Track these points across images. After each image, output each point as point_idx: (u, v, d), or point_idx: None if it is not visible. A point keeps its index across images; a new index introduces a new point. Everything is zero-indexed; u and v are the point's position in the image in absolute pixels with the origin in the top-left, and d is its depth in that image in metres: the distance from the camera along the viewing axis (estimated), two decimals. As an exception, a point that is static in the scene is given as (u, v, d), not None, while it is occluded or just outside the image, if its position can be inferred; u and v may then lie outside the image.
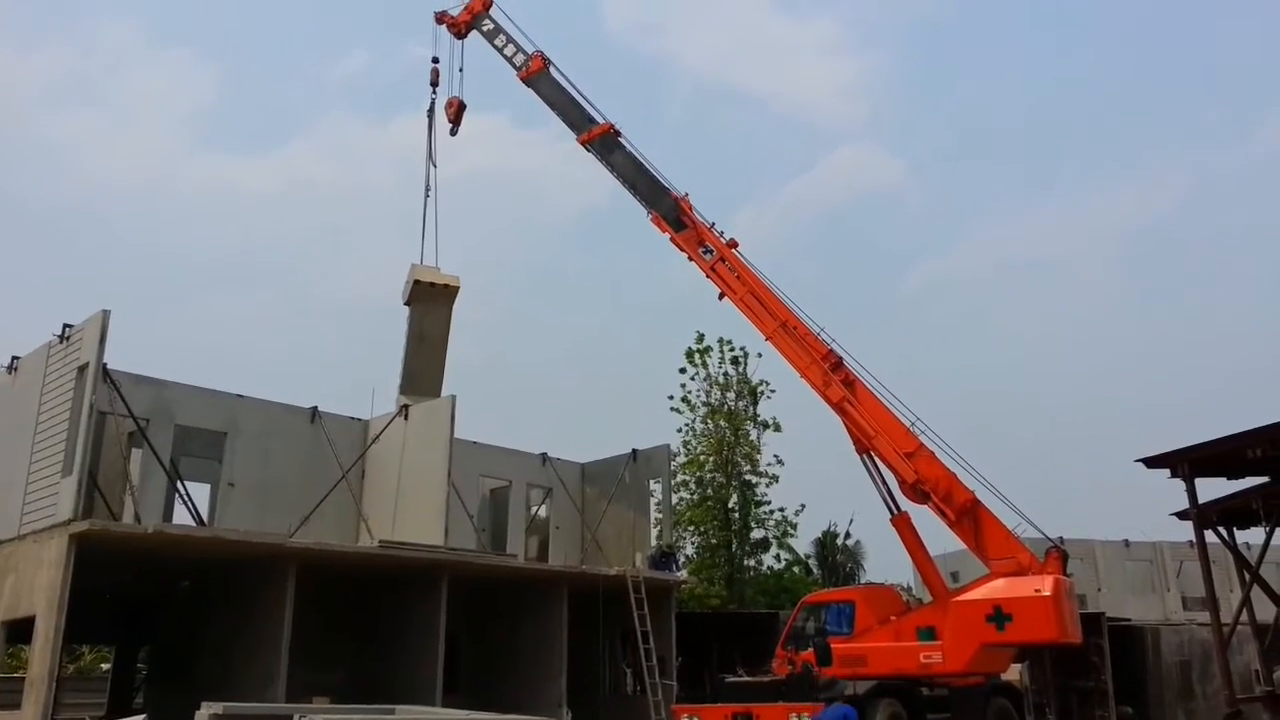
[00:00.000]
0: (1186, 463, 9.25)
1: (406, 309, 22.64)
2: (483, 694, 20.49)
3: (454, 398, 20.23)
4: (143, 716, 9.84)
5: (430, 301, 22.39)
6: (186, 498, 19.14)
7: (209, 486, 20.65)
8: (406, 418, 20.89)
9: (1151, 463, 9.48)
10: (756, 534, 34.07)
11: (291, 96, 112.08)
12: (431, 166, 22.42)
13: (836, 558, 39.72)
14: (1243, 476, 9.92)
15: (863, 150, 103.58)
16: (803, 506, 34.44)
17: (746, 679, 16.05)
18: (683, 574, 24.50)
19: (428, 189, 22.12)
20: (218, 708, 13.98)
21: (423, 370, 22.20)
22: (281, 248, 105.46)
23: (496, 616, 21.94)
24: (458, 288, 22.68)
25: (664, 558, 24.00)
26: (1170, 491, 11.09)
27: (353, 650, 19.89)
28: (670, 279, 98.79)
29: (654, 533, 25.70)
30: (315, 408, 21.66)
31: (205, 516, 19.48)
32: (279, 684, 15.74)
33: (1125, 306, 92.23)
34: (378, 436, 21.08)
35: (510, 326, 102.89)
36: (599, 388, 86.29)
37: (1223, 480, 10.50)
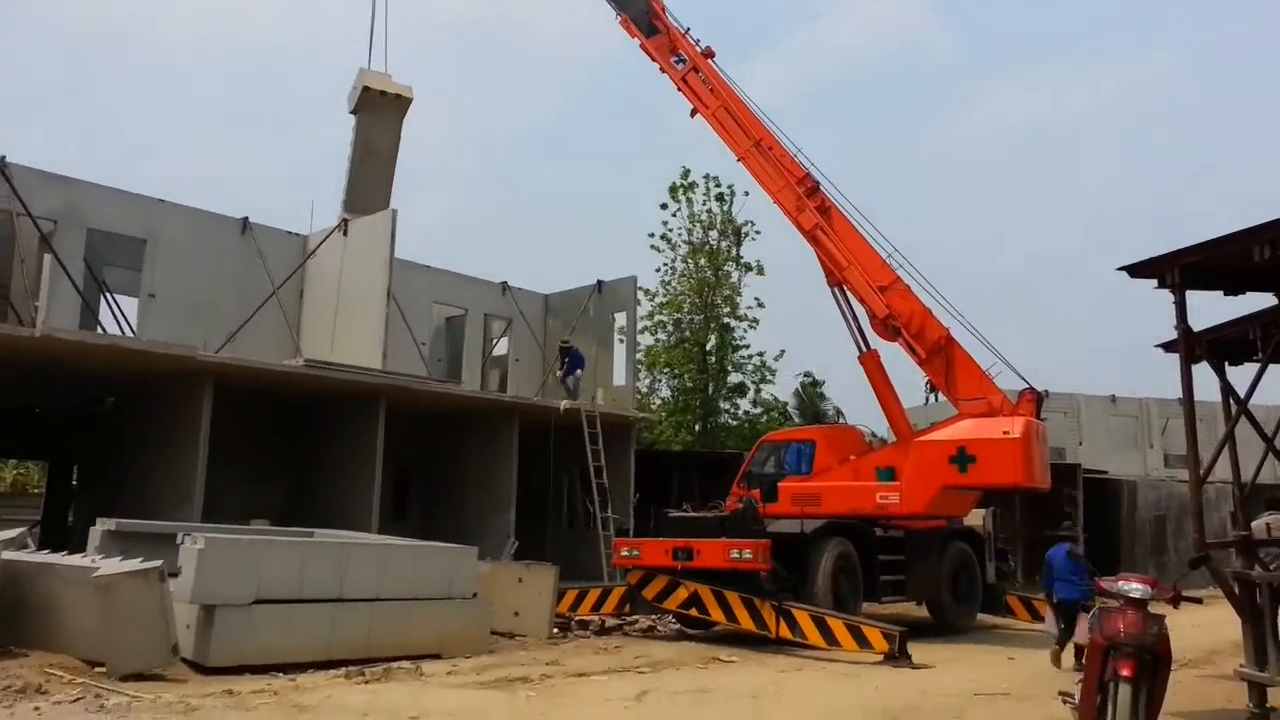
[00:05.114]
0: (1177, 268, 7.71)
1: (353, 118, 20.88)
2: (433, 523, 19.83)
3: (394, 212, 18.62)
4: (21, 529, 8.80)
5: (379, 111, 20.66)
6: (112, 302, 17.82)
7: (135, 301, 19.31)
8: (345, 233, 19.32)
9: (1136, 271, 7.98)
10: (734, 379, 33.04)
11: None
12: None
13: (819, 405, 38.73)
14: (1243, 291, 8.43)
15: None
16: (782, 352, 33.36)
17: (689, 514, 15.11)
18: (579, 373, 21.82)
19: None
20: (111, 524, 13.31)
21: (369, 185, 20.52)
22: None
23: (446, 447, 21.03)
24: (410, 99, 21.06)
25: (564, 354, 22.25)
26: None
27: (294, 472, 19.03)
28: (669, 125, 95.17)
29: (620, 367, 24.30)
30: (246, 218, 20.06)
31: (134, 330, 18.27)
32: (194, 504, 14.87)
33: (1128, 167, 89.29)
34: (313, 251, 19.56)
35: (502, 168, 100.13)
36: (580, 225, 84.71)
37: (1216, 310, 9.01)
